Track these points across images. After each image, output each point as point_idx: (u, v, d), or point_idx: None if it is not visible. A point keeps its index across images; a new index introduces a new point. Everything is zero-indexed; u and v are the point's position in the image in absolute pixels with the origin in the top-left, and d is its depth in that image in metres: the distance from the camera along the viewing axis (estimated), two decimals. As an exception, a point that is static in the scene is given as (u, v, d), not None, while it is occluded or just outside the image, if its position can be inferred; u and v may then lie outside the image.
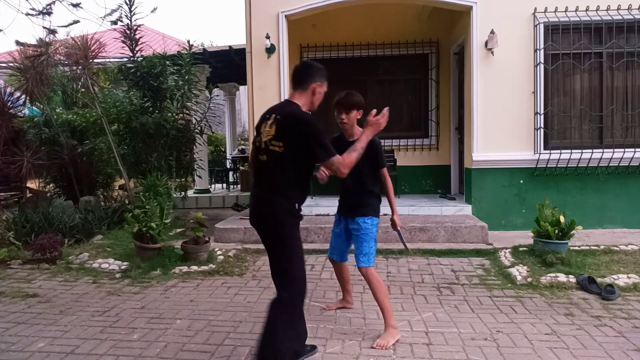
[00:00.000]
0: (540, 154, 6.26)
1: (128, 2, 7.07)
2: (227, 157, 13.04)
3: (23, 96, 7.34)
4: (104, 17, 7.14)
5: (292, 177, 2.67)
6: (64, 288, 4.50)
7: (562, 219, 4.92)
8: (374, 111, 2.89)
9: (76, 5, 5.41)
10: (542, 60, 6.23)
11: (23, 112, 7.91)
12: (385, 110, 2.90)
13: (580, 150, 6.20)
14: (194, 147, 8.01)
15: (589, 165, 6.23)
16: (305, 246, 5.61)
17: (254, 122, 6.57)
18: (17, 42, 6.80)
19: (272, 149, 2.64)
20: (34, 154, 7.10)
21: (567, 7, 6.15)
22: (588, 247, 5.27)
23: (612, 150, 6.17)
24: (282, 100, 2.91)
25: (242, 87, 14.26)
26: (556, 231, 4.90)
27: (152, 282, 4.67)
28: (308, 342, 3.17)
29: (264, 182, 2.75)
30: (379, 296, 3.24)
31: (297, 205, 2.71)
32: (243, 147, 13.47)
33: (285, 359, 2.58)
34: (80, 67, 7.08)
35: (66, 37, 7.17)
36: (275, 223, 2.71)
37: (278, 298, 2.66)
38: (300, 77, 2.79)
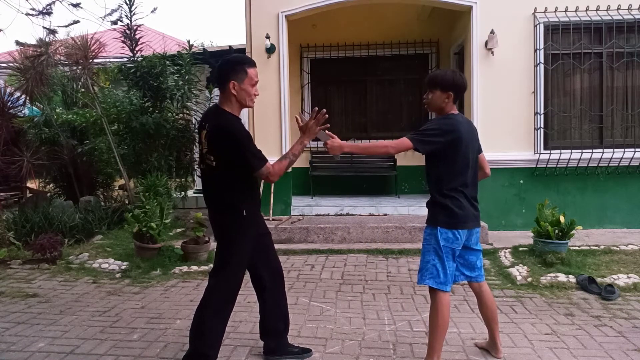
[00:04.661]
0: (540, 154, 6.26)
1: (128, 2, 7.06)
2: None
3: (23, 96, 7.33)
4: (104, 17, 7.11)
5: (230, 186, 2.64)
6: (64, 288, 4.50)
7: (562, 219, 4.92)
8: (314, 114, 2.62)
9: (76, 5, 5.40)
10: (542, 60, 6.23)
11: (23, 112, 7.90)
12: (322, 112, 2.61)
13: (580, 150, 6.20)
14: (194, 147, 8.00)
15: (589, 165, 6.23)
16: (305, 246, 5.70)
17: (254, 122, 6.65)
18: (17, 42, 6.80)
19: (207, 162, 2.63)
20: (34, 154, 7.10)
21: (567, 7, 6.15)
22: (588, 247, 5.27)
23: (612, 150, 6.17)
24: (213, 106, 2.73)
25: (242, 87, 14.23)
26: (556, 231, 4.90)
27: (152, 282, 4.67)
28: (308, 342, 3.19)
29: (208, 191, 2.75)
30: (430, 328, 2.76)
31: (244, 211, 2.66)
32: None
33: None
34: (80, 67, 7.07)
35: (66, 37, 7.18)
36: (218, 225, 2.74)
37: (207, 286, 2.74)
38: (217, 81, 2.66)
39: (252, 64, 2.64)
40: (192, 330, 2.70)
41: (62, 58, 7.16)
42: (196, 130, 7.56)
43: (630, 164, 6.21)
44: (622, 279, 4.35)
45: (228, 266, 2.71)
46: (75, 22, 5.69)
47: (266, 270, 2.90)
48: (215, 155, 2.58)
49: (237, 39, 37.87)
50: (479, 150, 2.92)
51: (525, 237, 5.53)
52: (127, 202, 7.36)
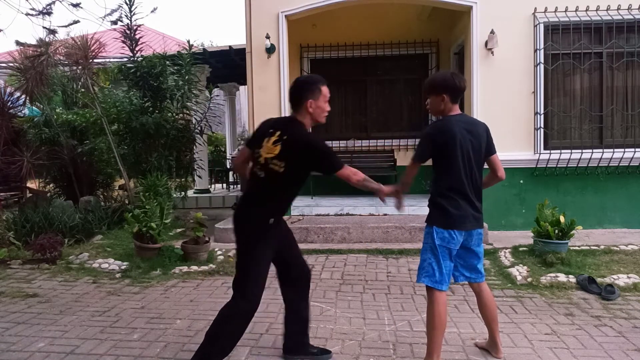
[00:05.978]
0: (540, 154, 6.26)
1: (128, 2, 7.06)
2: (227, 157, 13.05)
3: (23, 96, 7.33)
4: (104, 17, 7.12)
5: (283, 192, 2.71)
6: (64, 288, 4.50)
7: (562, 219, 4.92)
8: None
9: (76, 5, 5.40)
10: (542, 60, 6.23)
11: (23, 112, 7.89)
12: None
13: (580, 150, 6.20)
14: (194, 147, 8.01)
15: (589, 165, 6.23)
16: (305, 246, 5.69)
17: (254, 122, 6.64)
18: (17, 42, 6.79)
19: (272, 167, 2.61)
20: (34, 154, 7.09)
21: (567, 7, 6.15)
22: (588, 247, 5.27)
23: (612, 150, 6.17)
24: (285, 115, 2.78)
25: (242, 87, 14.25)
26: (556, 231, 4.90)
27: (152, 282, 4.67)
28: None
29: (254, 193, 2.74)
30: (427, 327, 2.77)
31: (271, 220, 2.68)
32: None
33: None
34: (80, 67, 7.07)
35: (66, 37, 7.18)
36: (243, 234, 2.70)
37: (228, 303, 2.67)
38: (293, 100, 2.75)
39: (325, 82, 2.76)
40: (209, 335, 2.65)
41: (62, 58, 7.15)
42: (197, 130, 7.61)
43: (630, 164, 6.21)
44: (622, 279, 4.35)
45: (248, 278, 2.65)
46: (75, 22, 5.70)
47: (296, 265, 2.93)
48: (288, 162, 2.59)
49: (237, 39, 37.93)
50: (489, 152, 2.94)
51: (525, 237, 5.53)
52: (127, 202, 7.35)
